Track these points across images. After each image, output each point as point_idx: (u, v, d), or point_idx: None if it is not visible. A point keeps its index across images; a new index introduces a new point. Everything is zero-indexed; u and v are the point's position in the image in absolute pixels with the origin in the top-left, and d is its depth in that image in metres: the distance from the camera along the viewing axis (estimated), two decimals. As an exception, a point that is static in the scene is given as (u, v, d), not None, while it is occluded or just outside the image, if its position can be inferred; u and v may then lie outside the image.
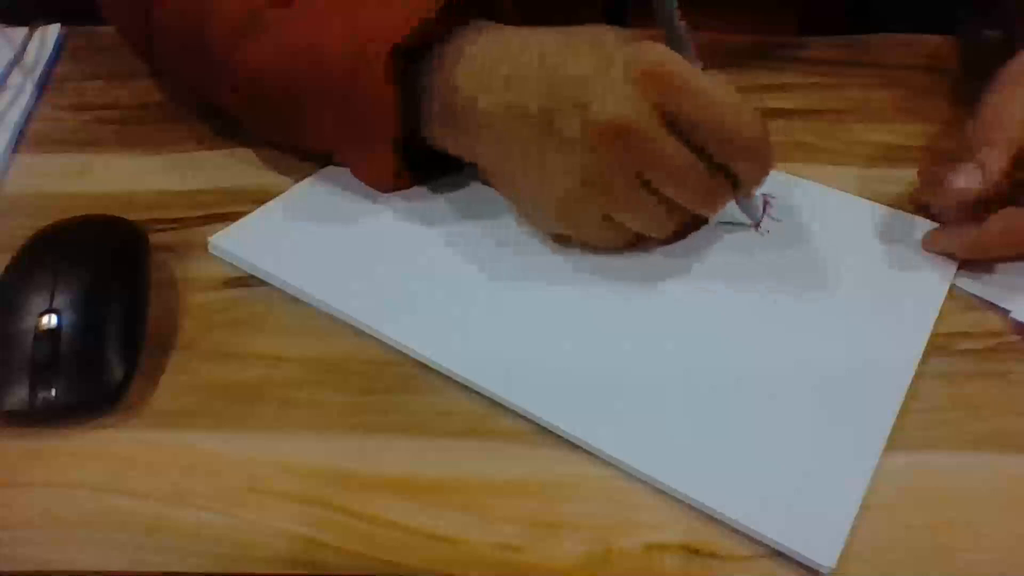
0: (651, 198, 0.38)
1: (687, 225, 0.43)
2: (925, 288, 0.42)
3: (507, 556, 0.33)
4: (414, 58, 0.41)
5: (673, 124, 0.37)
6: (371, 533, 0.33)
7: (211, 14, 0.44)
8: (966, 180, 0.40)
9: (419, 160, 0.45)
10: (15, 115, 0.52)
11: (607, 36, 0.39)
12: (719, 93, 0.36)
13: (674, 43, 0.38)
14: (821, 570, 0.32)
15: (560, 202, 0.39)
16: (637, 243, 0.43)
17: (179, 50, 0.47)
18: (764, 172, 0.40)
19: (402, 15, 0.40)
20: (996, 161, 0.40)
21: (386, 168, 0.44)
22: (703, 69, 0.38)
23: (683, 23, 0.38)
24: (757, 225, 0.44)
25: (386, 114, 0.41)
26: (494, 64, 0.39)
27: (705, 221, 0.44)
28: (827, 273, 0.42)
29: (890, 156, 0.49)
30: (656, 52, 0.37)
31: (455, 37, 0.41)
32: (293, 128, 0.46)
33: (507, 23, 0.42)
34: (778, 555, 0.33)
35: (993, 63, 0.43)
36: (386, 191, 0.46)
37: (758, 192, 0.43)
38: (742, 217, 0.44)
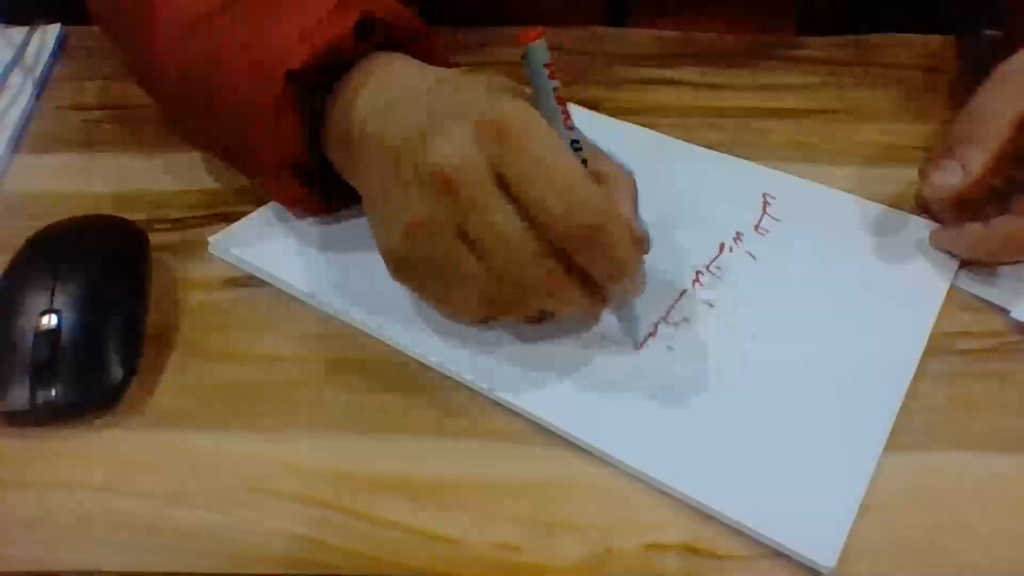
0: (471, 259, 0.34)
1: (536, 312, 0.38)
2: (925, 288, 0.42)
3: (507, 556, 0.33)
4: (329, 77, 0.39)
5: (507, 187, 0.32)
6: (371, 533, 0.33)
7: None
8: (945, 177, 0.41)
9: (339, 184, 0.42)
10: (15, 115, 0.52)
11: (481, 84, 0.35)
12: (561, 165, 0.32)
13: (541, 104, 0.34)
14: (821, 570, 0.32)
15: (396, 244, 0.35)
16: (484, 319, 0.38)
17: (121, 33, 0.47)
18: (611, 270, 0.33)
19: (308, 37, 0.38)
20: (976, 159, 0.40)
21: (289, 193, 0.42)
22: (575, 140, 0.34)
23: (556, 83, 0.34)
24: (639, 345, 0.38)
25: (284, 139, 0.39)
26: (382, 94, 0.37)
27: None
28: (827, 273, 0.42)
29: (890, 156, 0.49)
30: (509, 106, 0.32)
31: (363, 62, 0.39)
32: (205, 141, 0.45)
33: (433, 59, 0.40)
34: (778, 555, 0.33)
35: (993, 63, 0.43)
36: (302, 217, 0.44)
37: (641, 306, 0.38)
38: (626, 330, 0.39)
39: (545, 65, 0.33)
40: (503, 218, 0.32)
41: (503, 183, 0.32)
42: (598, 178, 0.34)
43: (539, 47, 0.33)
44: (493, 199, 0.32)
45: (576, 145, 0.34)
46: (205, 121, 0.43)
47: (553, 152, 0.32)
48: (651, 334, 0.39)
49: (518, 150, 0.32)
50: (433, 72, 0.38)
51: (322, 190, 0.42)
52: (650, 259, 0.42)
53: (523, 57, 0.33)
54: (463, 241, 0.33)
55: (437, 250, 0.34)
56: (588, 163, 0.35)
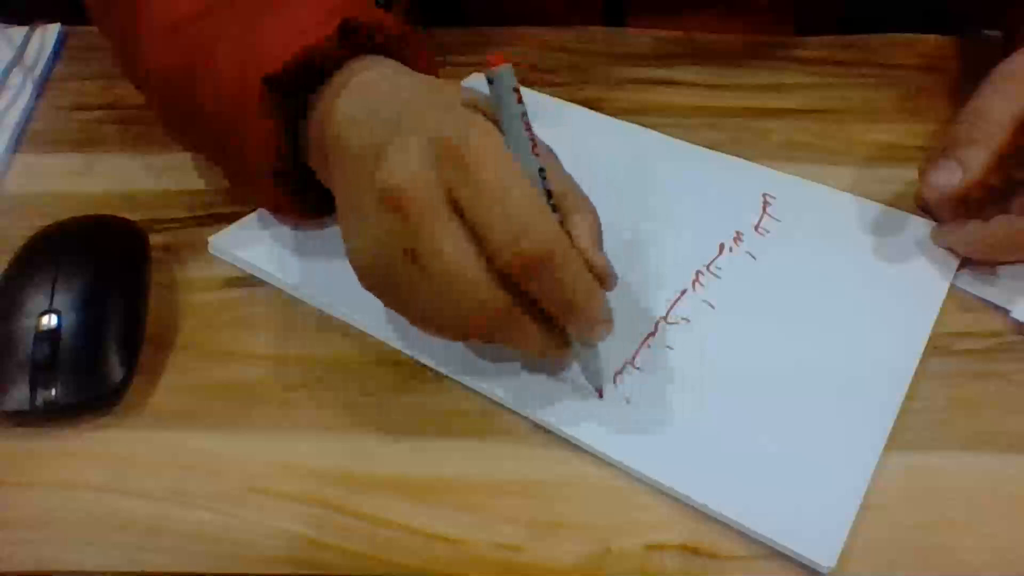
0: (423, 282, 0.32)
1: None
2: (925, 288, 0.42)
3: (507, 556, 0.33)
4: (312, 83, 0.39)
5: (459, 211, 0.31)
6: (371, 533, 0.33)
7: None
8: (945, 177, 0.41)
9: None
10: (15, 115, 0.52)
11: (452, 99, 0.34)
12: (513, 189, 0.30)
13: (508, 129, 0.33)
14: (821, 570, 0.32)
15: (354, 253, 0.35)
16: (449, 339, 0.36)
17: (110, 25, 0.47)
18: (563, 303, 0.32)
19: (289, 41, 0.38)
20: (976, 159, 0.40)
21: (271, 198, 0.42)
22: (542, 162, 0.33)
23: (523, 107, 0.33)
24: (599, 392, 0.37)
25: (263, 143, 0.39)
26: (357, 102, 0.36)
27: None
28: (827, 273, 0.42)
29: (890, 156, 0.49)
30: (470, 127, 0.31)
31: (343, 68, 0.38)
32: (190, 141, 0.45)
33: (417, 63, 0.39)
34: (778, 555, 0.33)
35: (993, 63, 0.43)
36: (288, 223, 0.44)
37: (601, 350, 0.36)
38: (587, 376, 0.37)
39: (513, 90, 0.33)
40: (450, 242, 0.31)
41: (457, 206, 0.31)
42: (562, 208, 0.33)
43: (506, 71, 0.32)
44: (442, 222, 0.31)
45: (543, 173, 0.33)
46: (189, 122, 0.43)
47: (507, 176, 0.31)
48: (651, 334, 0.39)
49: (472, 171, 0.31)
50: (409, 82, 0.37)
51: (305, 196, 0.41)
52: (650, 259, 0.43)
53: (489, 81, 0.32)
54: (414, 263, 0.32)
55: (392, 268, 0.33)
56: (554, 194, 0.33)
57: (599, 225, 0.34)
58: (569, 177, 0.35)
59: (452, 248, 0.31)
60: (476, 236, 0.31)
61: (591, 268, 0.33)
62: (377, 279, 0.35)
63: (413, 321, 0.35)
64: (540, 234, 0.31)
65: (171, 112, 0.44)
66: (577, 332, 0.34)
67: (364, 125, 0.35)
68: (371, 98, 0.36)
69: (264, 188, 0.41)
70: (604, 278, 0.33)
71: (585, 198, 0.35)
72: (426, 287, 0.32)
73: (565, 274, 0.31)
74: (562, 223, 0.33)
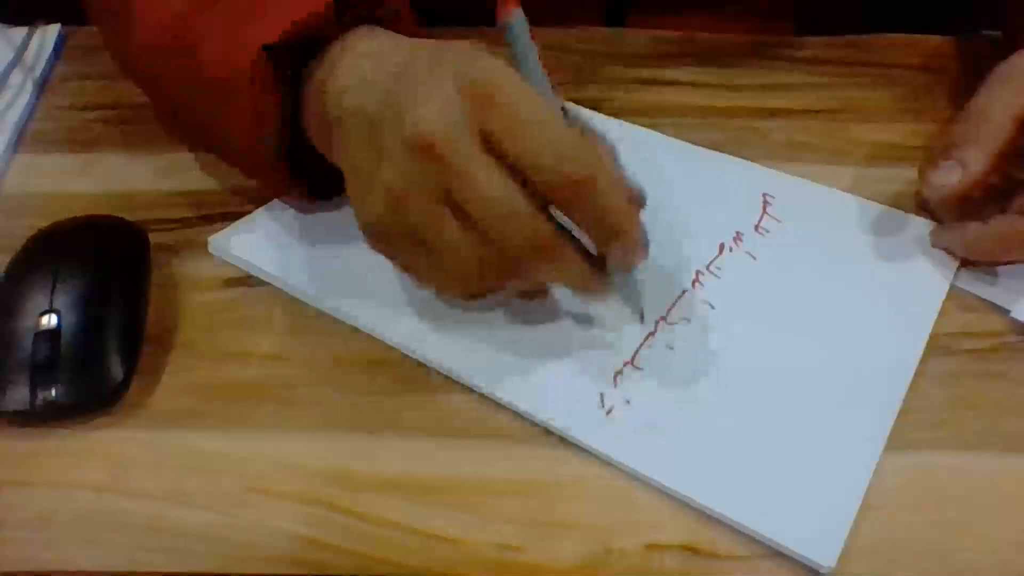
0: (455, 225, 0.33)
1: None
2: (925, 288, 0.42)
3: (507, 556, 0.33)
4: (306, 57, 0.39)
5: (492, 148, 0.32)
6: (371, 533, 0.33)
7: None
8: (945, 177, 0.41)
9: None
10: (15, 115, 0.52)
11: (452, 48, 0.34)
12: (548, 119, 0.32)
13: (528, 69, 0.34)
14: (821, 570, 0.32)
15: (372, 211, 0.35)
16: (472, 291, 0.37)
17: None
18: (606, 225, 0.33)
19: (286, 13, 0.38)
20: (976, 160, 0.40)
21: (268, 175, 0.42)
22: (562, 108, 0.34)
23: (534, 43, 0.34)
24: (641, 317, 0.37)
25: (260, 114, 0.39)
26: (360, 67, 0.36)
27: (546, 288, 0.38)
28: (827, 273, 0.42)
29: (890, 156, 0.49)
30: (488, 66, 0.32)
31: (340, 39, 0.38)
32: (184, 121, 0.45)
33: (406, 31, 0.39)
34: (778, 555, 0.33)
35: (993, 63, 0.43)
36: (294, 206, 0.44)
37: (643, 272, 0.36)
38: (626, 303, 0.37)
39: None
40: (491, 178, 0.32)
41: (488, 144, 0.32)
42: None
43: (519, 14, 0.34)
44: (479, 160, 0.32)
45: (562, 109, 0.34)
46: (183, 98, 0.43)
47: (540, 108, 0.32)
48: (651, 333, 0.39)
49: (504, 106, 0.31)
50: (410, 42, 0.37)
51: (305, 175, 0.42)
52: (650, 259, 0.43)
53: (503, 28, 0.34)
54: (448, 208, 0.32)
55: (421, 218, 0.33)
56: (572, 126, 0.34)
57: (617, 156, 0.35)
58: (581, 111, 0.36)
59: (495, 183, 0.32)
60: (515, 170, 0.32)
61: (631, 195, 0.33)
62: (398, 237, 0.35)
63: (434, 280, 0.36)
64: (583, 158, 0.32)
65: (165, 88, 0.44)
66: (618, 257, 0.34)
67: (372, 87, 0.35)
68: (381, 58, 0.36)
69: (260, 162, 0.41)
70: (639, 200, 0.34)
71: (597, 130, 0.35)
72: (463, 233, 0.33)
73: (609, 198, 0.32)
74: None
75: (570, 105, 0.35)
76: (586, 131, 0.35)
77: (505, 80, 0.32)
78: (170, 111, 0.47)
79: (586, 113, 0.35)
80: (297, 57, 0.39)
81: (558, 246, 0.33)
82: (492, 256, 0.33)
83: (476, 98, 0.32)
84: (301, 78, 0.39)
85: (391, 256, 0.36)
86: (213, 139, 0.45)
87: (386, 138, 0.33)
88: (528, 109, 0.32)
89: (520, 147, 0.31)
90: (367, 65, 0.36)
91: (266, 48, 0.37)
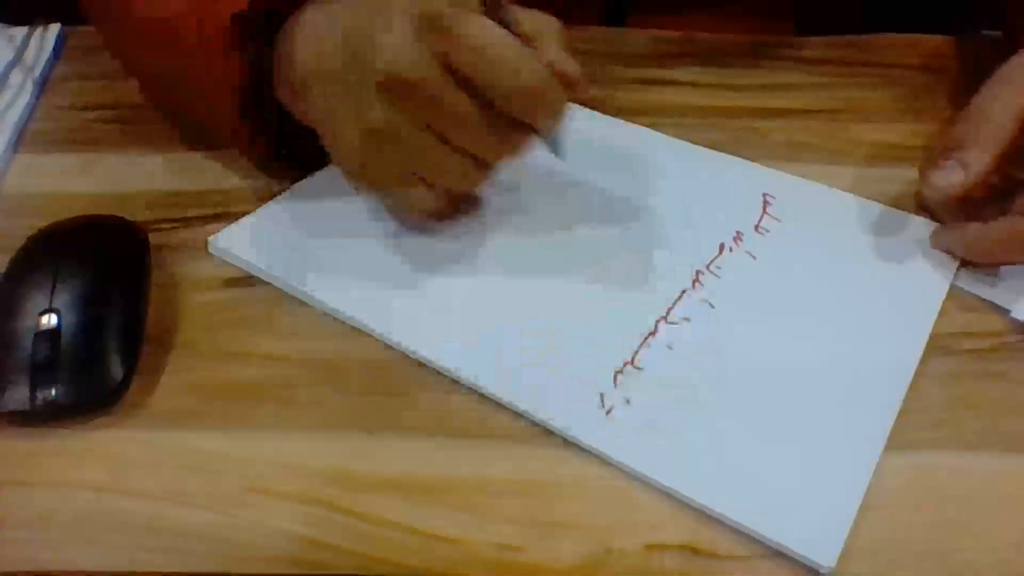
0: (445, 148, 0.38)
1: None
2: (925, 288, 0.42)
3: (507, 556, 0.33)
4: (276, 25, 0.42)
5: (455, 74, 0.36)
6: (371, 533, 0.33)
7: None
8: (946, 178, 0.41)
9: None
10: (15, 115, 0.52)
11: None
12: (497, 44, 0.36)
13: None
14: (821, 570, 0.32)
15: (358, 156, 0.39)
16: (455, 207, 0.43)
17: None
18: (548, 120, 0.39)
19: None
20: (977, 161, 0.40)
21: (236, 135, 0.44)
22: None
23: None
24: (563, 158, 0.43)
25: (230, 73, 0.41)
26: (322, 25, 0.40)
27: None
28: (827, 273, 0.42)
29: (890, 156, 0.49)
30: (438, 2, 0.36)
31: (300, 11, 0.41)
32: (162, 88, 0.48)
33: None
34: (778, 555, 0.33)
35: (993, 63, 0.43)
36: (258, 165, 0.47)
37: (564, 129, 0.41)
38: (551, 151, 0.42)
39: None
40: (460, 100, 0.37)
41: (450, 69, 0.36)
42: (528, 38, 0.38)
43: None
44: (448, 88, 0.36)
45: (506, 18, 0.37)
46: (159, 65, 0.46)
47: (491, 34, 0.36)
48: (651, 333, 0.39)
49: (458, 41, 0.36)
50: None
51: (276, 141, 0.45)
52: (650, 259, 0.43)
53: None
54: (426, 132, 0.38)
55: (401, 147, 0.38)
56: (522, 33, 0.38)
57: (562, 28, 0.39)
58: (525, 10, 0.39)
59: (464, 105, 0.37)
60: (474, 90, 0.37)
61: (565, 78, 0.38)
62: (378, 168, 0.40)
63: (410, 200, 0.41)
64: (536, 74, 0.36)
65: (146, 64, 0.48)
66: (550, 126, 0.40)
67: (337, 36, 0.39)
68: (332, 18, 0.40)
69: (228, 122, 0.43)
70: (574, 84, 0.38)
71: (543, 15, 0.39)
72: (442, 151, 0.38)
73: (554, 98, 0.38)
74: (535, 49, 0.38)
75: (516, 11, 0.38)
76: (527, 22, 0.38)
77: (453, 14, 0.36)
78: (152, 83, 0.50)
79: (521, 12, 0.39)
80: (264, 31, 0.42)
81: (516, 140, 0.40)
82: (466, 166, 0.39)
83: (432, 34, 0.36)
84: (272, 50, 0.42)
85: (371, 187, 0.42)
86: (190, 104, 0.48)
87: (359, 86, 0.37)
88: (483, 40, 0.36)
89: (482, 76, 0.36)
90: (326, 24, 0.40)
91: (234, 15, 0.41)
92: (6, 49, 0.57)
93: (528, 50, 0.37)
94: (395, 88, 0.36)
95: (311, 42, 0.40)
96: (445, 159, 0.39)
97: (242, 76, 0.42)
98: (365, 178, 0.41)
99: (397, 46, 0.36)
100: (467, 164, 0.39)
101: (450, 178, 0.40)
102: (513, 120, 0.38)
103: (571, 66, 0.38)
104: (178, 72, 0.45)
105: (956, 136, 0.41)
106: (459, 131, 0.38)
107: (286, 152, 0.46)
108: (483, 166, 0.40)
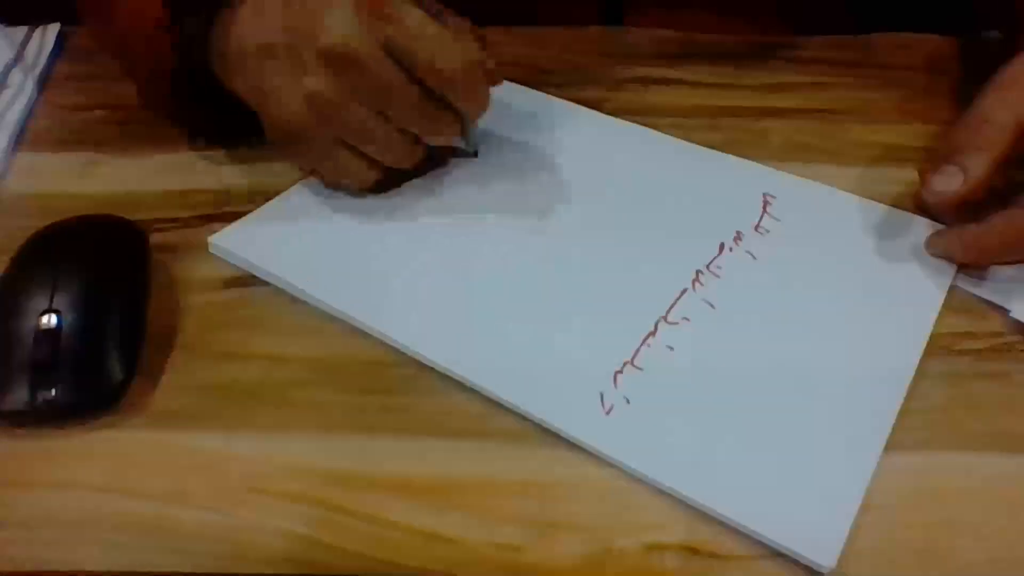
0: (382, 123, 0.42)
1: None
2: (925, 288, 0.42)
3: (507, 556, 0.33)
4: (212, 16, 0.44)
5: (393, 55, 0.40)
6: (371, 533, 0.33)
7: None
8: (946, 182, 0.41)
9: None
10: (15, 114, 0.52)
11: None
12: (427, 27, 0.40)
13: None
14: (821, 570, 0.32)
15: (297, 122, 0.42)
16: (386, 180, 0.45)
17: None
18: (474, 104, 0.43)
19: None
20: (977, 165, 0.40)
21: (167, 105, 0.48)
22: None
23: None
24: (475, 154, 0.48)
25: (162, 52, 0.44)
26: (258, 4, 0.42)
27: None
28: (827, 273, 0.42)
29: (890, 156, 0.49)
30: None
31: None
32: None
33: None
34: (778, 555, 0.33)
35: (993, 63, 0.43)
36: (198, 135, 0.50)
37: (484, 125, 0.45)
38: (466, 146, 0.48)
39: None
40: (395, 78, 0.40)
41: (387, 50, 0.40)
42: (453, 32, 0.41)
43: None
44: (387, 65, 0.40)
45: (432, 12, 0.41)
46: (110, 38, 0.50)
47: (424, 20, 0.40)
48: (651, 333, 0.39)
49: (393, 21, 0.39)
50: None
51: (212, 112, 0.47)
52: (650, 258, 0.43)
53: None
54: (365, 106, 0.41)
55: (340, 115, 0.41)
56: (443, 20, 0.41)
57: (481, 35, 0.43)
58: (447, 9, 0.43)
59: (400, 82, 0.40)
60: (408, 70, 0.40)
61: (484, 68, 0.42)
62: (313, 133, 0.42)
63: (348, 169, 0.44)
64: (466, 56, 0.41)
65: (97, 28, 0.51)
66: (473, 113, 0.44)
67: (274, 13, 0.41)
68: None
69: (162, 93, 0.46)
70: (493, 75, 0.43)
71: (462, 20, 0.43)
72: (378, 123, 0.42)
73: (478, 81, 0.42)
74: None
75: (442, 11, 0.42)
76: (451, 22, 0.42)
77: (395, 0, 0.39)
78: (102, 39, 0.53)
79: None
80: (203, 15, 0.44)
81: (445, 119, 0.43)
82: (402, 138, 0.43)
83: (374, 15, 0.39)
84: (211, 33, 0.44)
85: (310, 159, 0.45)
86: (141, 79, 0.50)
87: (302, 56, 0.40)
88: (416, 25, 0.39)
89: (419, 57, 0.40)
90: (261, 2, 0.42)
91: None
92: (6, 49, 0.57)
93: (460, 39, 0.41)
94: (339, 60, 0.39)
95: (251, 16, 0.42)
96: (382, 132, 0.42)
97: (173, 54, 0.44)
98: (301, 146, 0.43)
99: (343, 22, 0.39)
100: (403, 139, 0.43)
101: (386, 152, 0.43)
102: (444, 103, 0.42)
103: (488, 59, 0.43)
104: (118, 45, 0.49)
105: (956, 141, 0.41)
106: (397, 108, 0.41)
107: (216, 123, 0.48)
108: (417, 143, 0.44)
